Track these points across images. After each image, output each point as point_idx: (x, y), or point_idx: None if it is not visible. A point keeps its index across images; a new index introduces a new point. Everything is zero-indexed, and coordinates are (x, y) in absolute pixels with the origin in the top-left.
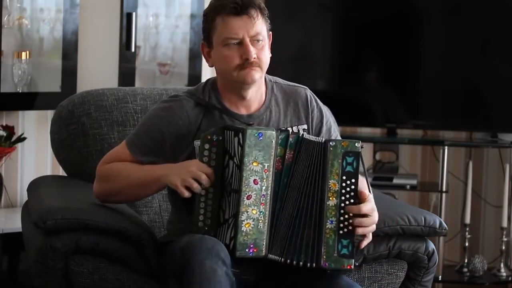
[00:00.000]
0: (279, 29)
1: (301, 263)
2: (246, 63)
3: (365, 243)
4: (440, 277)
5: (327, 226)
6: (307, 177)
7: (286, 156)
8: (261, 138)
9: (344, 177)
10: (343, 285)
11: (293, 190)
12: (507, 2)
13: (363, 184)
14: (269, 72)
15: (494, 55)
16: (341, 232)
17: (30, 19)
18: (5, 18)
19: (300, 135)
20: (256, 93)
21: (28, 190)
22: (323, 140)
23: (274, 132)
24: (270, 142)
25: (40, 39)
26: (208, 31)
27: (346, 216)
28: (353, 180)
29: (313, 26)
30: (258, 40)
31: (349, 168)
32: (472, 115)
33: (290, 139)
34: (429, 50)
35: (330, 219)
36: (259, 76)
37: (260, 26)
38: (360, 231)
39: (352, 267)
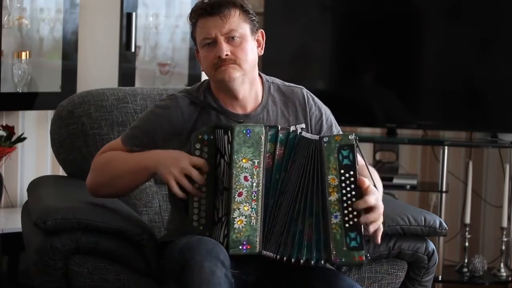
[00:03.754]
0: (279, 29)
1: (302, 260)
2: (219, 61)
3: (379, 235)
4: (440, 277)
5: (332, 222)
6: (304, 174)
7: (277, 152)
8: (249, 134)
9: (342, 171)
10: (343, 285)
11: (289, 187)
12: (507, 2)
13: (364, 174)
14: (269, 72)
15: (494, 55)
16: (347, 225)
17: (30, 19)
18: (5, 18)
19: (291, 130)
20: (250, 92)
21: (28, 190)
22: (317, 137)
23: (262, 128)
24: (259, 139)
25: (40, 39)
26: (194, 37)
27: (350, 209)
28: (351, 173)
29: (313, 26)
30: (233, 37)
31: (346, 161)
32: (472, 115)
33: (280, 135)
34: (429, 50)
35: (334, 214)
36: (239, 74)
37: (236, 24)
38: (371, 228)
39: (364, 258)
